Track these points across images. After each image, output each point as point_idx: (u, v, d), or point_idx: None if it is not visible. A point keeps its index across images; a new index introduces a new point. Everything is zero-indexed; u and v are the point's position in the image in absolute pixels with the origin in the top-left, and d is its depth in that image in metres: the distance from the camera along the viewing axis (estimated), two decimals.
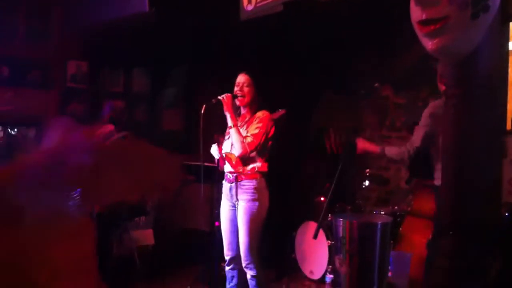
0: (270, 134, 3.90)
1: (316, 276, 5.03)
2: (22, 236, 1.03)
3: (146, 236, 5.25)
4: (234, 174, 3.88)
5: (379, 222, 2.97)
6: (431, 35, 2.40)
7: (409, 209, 4.15)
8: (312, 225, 5.00)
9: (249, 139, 3.78)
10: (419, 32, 2.47)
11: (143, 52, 5.88)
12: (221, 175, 4.10)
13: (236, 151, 3.83)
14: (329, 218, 4.87)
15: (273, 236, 4.15)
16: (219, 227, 4.14)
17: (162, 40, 5.70)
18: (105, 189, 1.28)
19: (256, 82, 3.93)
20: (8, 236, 1.02)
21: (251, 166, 3.87)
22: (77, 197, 1.22)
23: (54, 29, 5.42)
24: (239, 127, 3.88)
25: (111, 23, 5.02)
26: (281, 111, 4.84)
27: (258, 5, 4.05)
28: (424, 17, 2.39)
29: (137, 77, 6.17)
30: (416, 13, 2.42)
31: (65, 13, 5.43)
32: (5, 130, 5.54)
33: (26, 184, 1.12)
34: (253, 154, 3.82)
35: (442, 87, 3.37)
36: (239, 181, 3.86)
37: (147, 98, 6.26)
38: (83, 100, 5.67)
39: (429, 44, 2.42)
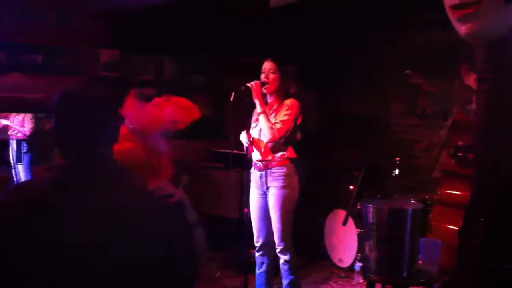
0: (298, 122, 3.91)
1: (345, 264, 5.03)
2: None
3: None
4: (264, 162, 3.91)
5: (410, 208, 2.95)
6: (463, 20, 2.37)
7: (437, 197, 4.12)
8: (341, 214, 4.99)
9: (278, 125, 3.80)
10: (451, 16, 2.44)
11: (173, 40, 5.93)
12: (250, 162, 4.13)
13: (265, 137, 3.85)
14: (358, 207, 4.86)
15: (302, 223, 4.16)
16: (248, 214, 4.18)
17: (191, 27, 5.73)
18: None
19: (282, 69, 3.92)
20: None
21: (280, 153, 3.88)
22: None
23: (85, 16, 5.49)
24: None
25: (141, 10, 5.08)
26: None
27: None
28: (457, 1, 2.36)
29: (167, 64, 6.22)
30: None
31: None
32: (37, 117, 5.67)
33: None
34: (282, 140, 3.83)
35: (465, 73, 3.32)
36: (269, 169, 3.88)
37: (177, 85, 6.31)
38: (114, 88, 5.75)
39: (462, 29, 2.39)
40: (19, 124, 6.00)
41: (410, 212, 2.92)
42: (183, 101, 2.60)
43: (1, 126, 6.02)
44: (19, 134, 5.96)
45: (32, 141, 5.64)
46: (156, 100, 2.51)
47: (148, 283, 1.57)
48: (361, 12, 4.83)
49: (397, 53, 5.35)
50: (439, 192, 3.86)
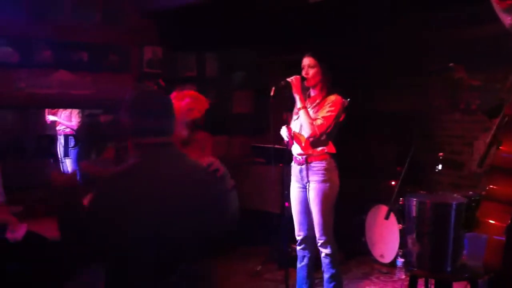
0: (341, 119, 3.92)
1: (387, 259, 5.01)
2: None
3: None
4: (304, 156, 3.93)
5: (454, 202, 2.92)
6: (509, 10, 2.34)
7: (483, 193, 4.04)
8: (383, 209, 4.98)
9: (319, 121, 3.81)
10: (497, 7, 2.42)
11: (214, 36, 5.99)
12: (291, 156, 4.15)
13: (305, 132, 3.87)
14: (400, 202, 4.83)
15: (343, 219, 4.16)
16: (288, 208, 4.20)
17: (232, 23, 5.78)
18: None
19: (322, 64, 3.93)
20: None
21: (320, 148, 3.89)
22: None
23: (129, 13, 5.60)
24: (308, 109, 3.91)
25: (183, 8, 5.15)
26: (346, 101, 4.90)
27: None
28: None
29: (209, 61, 6.30)
30: None
31: None
32: (83, 113, 5.81)
33: None
34: (323, 137, 3.84)
35: None
36: (309, 163, 3.90)
37: (218, 81, 6.38)
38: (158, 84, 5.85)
39: (507, 19, 2.36)
40: (67, 119, 6.17)
41: (454, 205, 2.90)
42: (195, 94, 3.30)
43: (49, 122, 6.20)
44: (67, 130, 6.13)
45: (79, 135, 5.78)
46: (174, 93, 3.15)
47: (201, 239, 2.04)
48: (402, 3, 4.78)
49: (440, 46, 5.27)
50: (487, 188, 3.78)
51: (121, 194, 1.93)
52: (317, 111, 3.89)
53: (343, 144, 4.04)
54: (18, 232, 3.84)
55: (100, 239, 1.91)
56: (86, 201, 2.02)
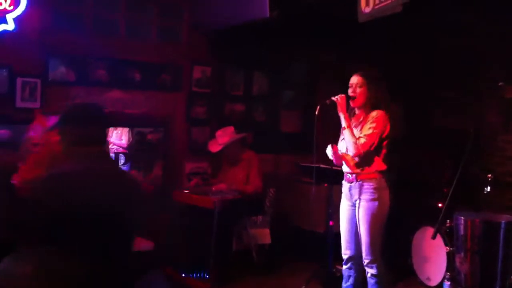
0: (386, 134, 3.88)
1: (434, 282, 4.90)
2: None
3: (263, 235, 5.42)
4: (354, 174, 3.93)
5: (503, 221, 2.88)
6: None
7: None
8: (429, 231, 4.88)
9: (362, 140, 3.80)
10: None
11: (262, 55, 6.09)
12: (337, 175, 4.16)
13: (350, 152, 3.87)
14: (448, 224, 4.74)
15: (389, 239, 4.12)
16: (332, 227, 4.20)
17: (281, 42, 5.88)
18: None
19: (370, 83, 3.93)
20: None
21: (369, 166, 3.88)
22: None
23: (183, 33, 5.77)
24: (353, 128, 3.91)
25: (233, 28, 5.28)
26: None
27: (376, 7, 4.05)
28: None
29: (256, 80, 6.38)
30: None
31: (192, 17, 5.76)
32: (133, 131, 5.98)
33: None
34: (370, 154, 3.84)
35: None
36: (359, 181, 3.89)
37: (266, 100, 6.45)
38: (206, 103, 5.99)
39: None
40: (117, 138, 6.37)
41: (503, 224, 2.85)
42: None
43: None
44: (119, 148, 6.32)
45: (130, 153, 5.95)
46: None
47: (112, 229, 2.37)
48: (457, 19, 4.76)
49: (493, 64, 5.19)
50: None
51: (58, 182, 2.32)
52: (361, 129, 3.89)
53: (393, 161, 4.00)
54: None
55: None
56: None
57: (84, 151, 2.40)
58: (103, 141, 2.54)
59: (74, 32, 5.12)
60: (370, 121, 3.86)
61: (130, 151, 5.97)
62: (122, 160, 6.22)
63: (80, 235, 2.27)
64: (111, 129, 6.23)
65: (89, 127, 2.44)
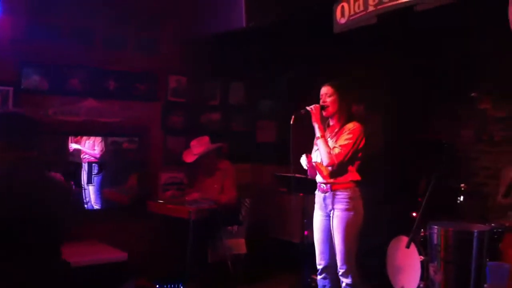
0: (360, 146, 3.91)
1: None
2: None
3: (239, 245, 5.39)
4: (328, 184, 3.93)
5: (476, 230, 2.91)
6: None
7: (507, 224, 4.00)
8: (404, 240, 4.90)
9: (337, 150, 3.82)
10: None
11: (239, 65, 6.09)
12: (312, 185, 4.16)
13: (324, 162, 3.88)
14: (422, 233, 4.77)
15: (363, 249, 4.13)
16: (307, 237, 4.19)
17: (257, 53, 5.88)
18: None
19: (340, 93, 3.95)
20: None
21: (343, 176, 3.90)
22: None
23: (159, 43, 5.74)
24: (328, 138, 3.93)
25: (209, 37, 5.27)
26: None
27: (351, 18, 4.10)
28: None
29: (233, 90, 6.38)
30: None
31: (169, 27, 5.74)
32: (107, 140, 5.90)
33: None
34: (340, 165, 3.85)
35: None
36: (333, 191, 3.90)
37: (242, 110, 6.45)
38: (182, 113, 5.96)
39: None
40: (90, 148, 6.28)
41: (476, 233, 2.88)
42: None
43: (72, 150, 6.31)
44: (91, 158, 6.23)
45: (103, 163, 5.87)
46: None
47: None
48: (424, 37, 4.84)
49: (466, 76, 5.27)
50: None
51: None
52: (336, 140, 3.91)
53: (368, 172, 4.02)
54: None
55: None
56: None
57: (8, 157, 2.63)
58: (29, 148, 2.74)
59: (48, 41, 5.05)
60: (347, 132, 3.89)
61: (103, 161, 5.89)
62: (95, 170, 6.13)
63: (5, 237, 2.50)
64: (84, 138, 6.16)
65: (13, 135, 2.69)
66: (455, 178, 5.21)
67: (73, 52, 5.17)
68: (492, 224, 4.42)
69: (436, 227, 2.95)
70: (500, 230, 4.13)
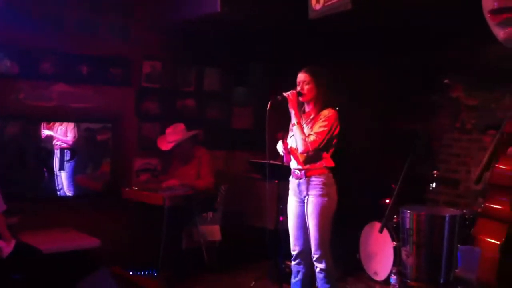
0: (335, 133, 3.92)
1: (381, 277, 4.98)
2: None
3: (213, 232, 5.39)
4: (303, 171, 3.94)
5: (448, 215, 2.95)
6: (503, 24, 2.38)
7: (479, 210, 4.06)
8: (377, 226, 4.96)
9: (312, 138, 3.82)
10: (491, 22, 2.46)
11: (214, 52, 6.05)
12: (287, 172, 4.16)
13: (299, 148, 3.88)
14: (394, 219, 4.83)
15: (337, 235, 4.16)
16: (282, 222, 4.20)
17: (233, 39, 5.85)
18: None
19: (317, 80, 3.95)
20: None
21: (318, 162, 3.91)
22: None
23: (133, 28, 5.65)
24: (303, 125, 3.93)
25: (184, 23, 5.21)
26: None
27: (326, 4, 4.09)
28: (496, 5, 2.38)
29: (208, 76, 6.33)
30: (488, 3, 2.41)
31: (143, 12, 5.66)
32: (79, 127, 5.82)
33: None
34: (315, 152, 3.85)
35: None
36: (308, 177, 3.91)
37: (218, 96, 6.41)
38: (157, 99, 5.90)
39: (501, 34, 2.41)
40: (62, 134, 6.18)
41: (448, 218, 2.92)
42: None
43: (44, 136, 6.21)
44: (63, 144, 6.13)
45: (75, 150, 5.79)
46: None
47: None
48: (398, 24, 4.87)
49: (442, 65, 5.33)
50: (483, 205, 3.80)
51: None
52: (312, 127, 3.91)
53: (341, 158, 4.04)
54: (5, 249, 3.89)
55: None
56: None
57: None
58: None
59: (19, 24, 4.93)
60: (322, 119, 3.88)
61: (76, 147, 5.81)
62: (67, 156, 6.04)
63: None
64: (56, 124, 6.06)
65: None
66: (428, 165, 5.28)
67: (45, 36, 5.06)
68: (464, 211, 4.51)
69: (408, 211, 2.98)
70: (471, 216, 4.21)
